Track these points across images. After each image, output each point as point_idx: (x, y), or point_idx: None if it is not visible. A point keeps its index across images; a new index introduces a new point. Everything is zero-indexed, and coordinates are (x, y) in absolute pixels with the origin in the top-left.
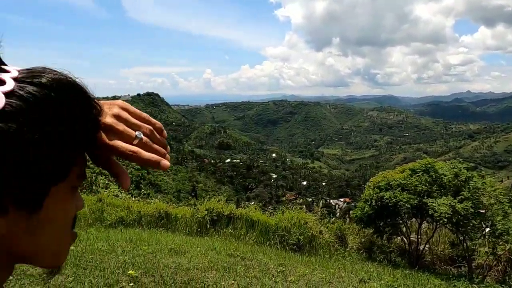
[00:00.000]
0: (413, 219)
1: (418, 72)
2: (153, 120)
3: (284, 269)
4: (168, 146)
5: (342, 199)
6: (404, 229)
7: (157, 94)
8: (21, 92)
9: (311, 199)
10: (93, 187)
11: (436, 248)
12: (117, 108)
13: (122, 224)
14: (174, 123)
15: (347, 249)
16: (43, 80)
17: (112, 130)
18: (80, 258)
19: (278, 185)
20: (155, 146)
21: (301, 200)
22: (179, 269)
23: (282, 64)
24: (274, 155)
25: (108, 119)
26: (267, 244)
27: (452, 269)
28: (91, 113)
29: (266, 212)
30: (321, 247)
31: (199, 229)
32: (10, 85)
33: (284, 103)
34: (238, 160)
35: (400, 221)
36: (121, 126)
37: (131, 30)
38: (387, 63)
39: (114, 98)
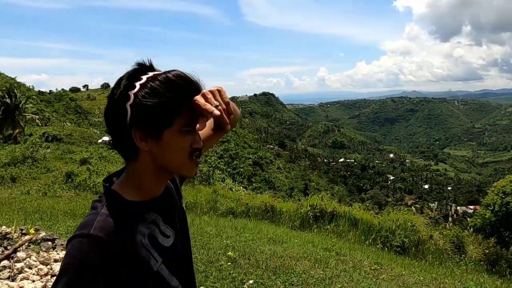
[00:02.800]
0: None
1: None
2: (230, 106)
3: (379, 268)
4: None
5: (471, 206)
6: None
7: (272, 94)
8: (148, 85)
9: (433, 204)
10: (210, 180)
11: None
12: (214, 87)
13: (232, 214)
14: (288, 122)
15: (464, 259)
16: (162, 76)
17: (203, 95)
18: (191, 239)
19: (396, 188)
20: (223, 113)
21: (422, 204)
22: (274, 256)
23: (401, 58)
24: (391, 155)
25: (204, 90)
26: (367, 244)
27: None
28: (186, 90)
29: (371, 212)
30: (430, 252)
31: (301, 224)
32: (143, 80)
33: (404, 100)
34: (353, 160)
35: None
36: (208, 94)
37: (248, 33)
38: None
39: (233, 98)
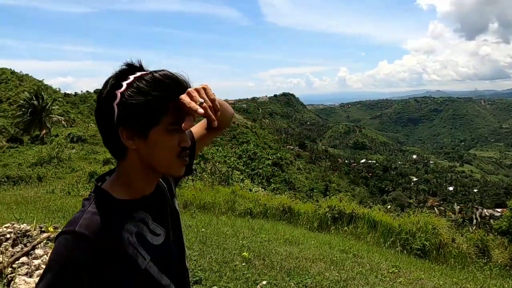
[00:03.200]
0: None
1: None
2: (217, 100)
3: (397, 271)
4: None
5: (499, 209)
6: None
7: (292, 94)
8: (134, 84)
9: (459, 206)
10: (229, 180)
11: None
12: (200, 85)
13: (250, 214)
14: (308, 123)
15: (489, 263)
16: (148, 76)
17: (188, 93)
18: (207, 238)
19: (419, 189)
20: (209, 110)
21: (447, 207)
22: (289, 257)
23: (425, 57)
24: (414, 156)
25: (189, 89)
26: (386, 246)
27: None
28: (172, 89)
29: (393, 214)
30: (453, 256)
31: (319, 225)
32: (130, 79)
33: (428, 99)
34: (374, 161)
35: None
36: (193, 92)
37: (268, 33)
38: None
39: (253, 99)
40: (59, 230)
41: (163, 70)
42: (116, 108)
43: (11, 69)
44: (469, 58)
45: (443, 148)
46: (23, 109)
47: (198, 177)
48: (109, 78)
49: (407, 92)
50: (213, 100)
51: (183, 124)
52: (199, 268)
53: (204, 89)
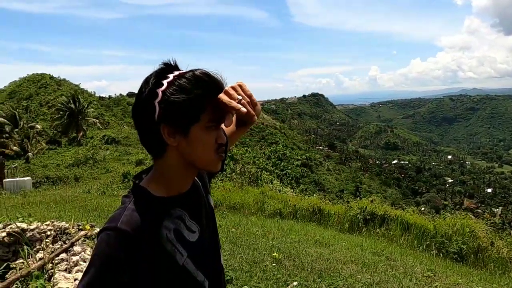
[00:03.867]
0: None
1: None
2: (253, 98)
3: (432, 275)
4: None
5: None
6: None
7: (321, 95)
8: (176, 82)
9: (498, 209)
10: (258, 181)
11: None
12: (235, 83)
13: (279, 215)
14: (338, 123)
15: None
16: (188, 74)
17: (226, 92)
18: (238, 239)
19: (455, 191)
20: (248, 106)
21: (485, 209)
22: (319, 259)
23: (460, 54)
24: (449, 156)
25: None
26: (421, 249)
27: None
28: (211, 87)
29: (426, 216)
30: (492, 261)
31: (350, 227)
32: (170, 78)
33: (464, 98)
34: (407, 162)
35: None
36: (231, 90)
37: (297, 34)
38: None
39: (282, 100)
40: (96, 228)
41: (200, 69)
42: (158, 106)
43: (50, 74)
44: (508, 54)
45: (481, 148)
46: (61, 112)
47: (227, 178)
48: (149, 77)
49: (441, 90)
50: (250, 96)
51: (225, 122)
52: (229, 268)
53: (240, 86)
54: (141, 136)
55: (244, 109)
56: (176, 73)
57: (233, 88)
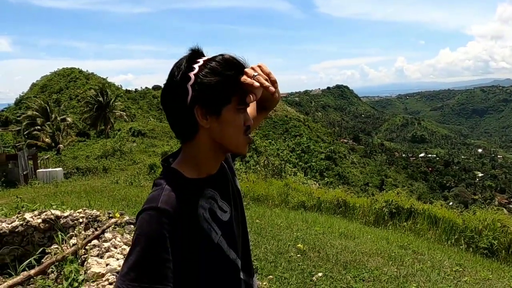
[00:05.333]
0: None
1: None
2: (272, 76)
3: (461, 269)
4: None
5: None
6: None
7: (346, 87)
8: (207, 65)
9: None
10: (282, 173)
11: None
12: (256, 65)
13: (303, 207)
14: (363, 115)
15: None
16: (218, 57)
17: (245, 72)
18: (262, 230)
19: (485, 186)
20: (263, 80)
21: None
22: (344, 251)
23: (492, 43)
24: (480, 150)
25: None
26: (449, 244)
27: None
28: (240, 69)
29: (455, 210)
30: None
31: (376, 220)
32: (200, 62)
33: (496, 89)
34: (434, 155)
35: None
36: (249, 70)
37: (321, 25)
38: None
39: (306, 92)
40: (126, 216)
41: (226, 54)
42: (191, 89)
43: (79, 68)
44: None
45: None
46: (90, 105)
47: (251, 170)
48: (180, 62)
49: (471, 81)
50: (268, 74)
51: (246, 99)
52: (254, 258)
53: (259, 66)
54: (172, 120)
55: (257, 84)
56: (205, 58)
57: (252, 68)
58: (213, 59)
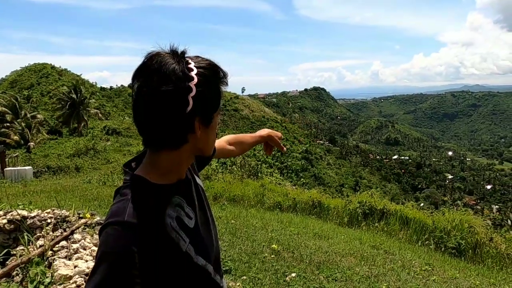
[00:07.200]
0: None
1: None
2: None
3: (430, 269)
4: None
5: None
6: None
7: (323, 89)
8: (201, 74)
9: (497, 206)
10: (258, 174)
11: None
12: (267, 130)
13: (278, 208)
14: (339, 117)
15: None
16: (209, 66)
17: (271, 133)
18: (237, 230)
19: (455, 187)
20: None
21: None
22: (318, 251)
23: (463, 50)
24: (450, 153)
25: (266, 130)
26: (419, 244)
27: None
28: (223, 81)
29: (425, 211)
30: (490, 256)
31: (350, 221)
32: (195, 70)
33: (466, 94)
34: (407, 157)
35: None
36: (274, 133)
37: (300, 27)
38: None
39: (283, 93)
40: (97, 217)
41: (209, 59)
42: (191, 100)
43: (51, 64)
44: (511, 51)
45: (481, 145)
46: (62, 103)
47: (228, 171)
48: (171, 70)
49: (443, 86)
50: (280, 137)
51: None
52: (228, 259)
53: (280, 137)
54: (157, 128)
55: (285, 148)
56: (195, 63)
57: (270, 131)
58: (203, 66)
